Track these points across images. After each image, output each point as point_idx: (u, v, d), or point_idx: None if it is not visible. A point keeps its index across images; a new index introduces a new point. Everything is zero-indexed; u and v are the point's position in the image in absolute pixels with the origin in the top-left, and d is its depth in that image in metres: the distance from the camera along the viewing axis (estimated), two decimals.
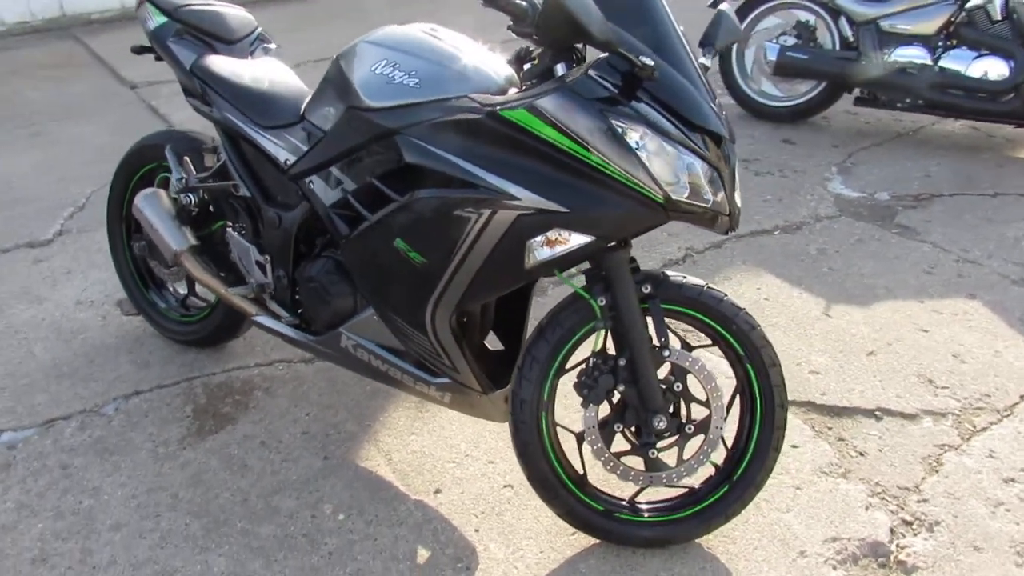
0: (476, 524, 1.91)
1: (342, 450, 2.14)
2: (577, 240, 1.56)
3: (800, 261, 3.04)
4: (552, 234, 1.56)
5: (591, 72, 1.50)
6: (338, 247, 1.88)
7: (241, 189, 2.09)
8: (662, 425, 1.71)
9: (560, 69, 1.59)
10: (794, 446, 2.13)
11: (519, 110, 1.52)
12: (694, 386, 1.77)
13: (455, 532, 1.89)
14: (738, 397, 1.82)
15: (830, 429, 2.20)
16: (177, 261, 2.18)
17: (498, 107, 1.54)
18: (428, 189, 1.64)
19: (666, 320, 1.76)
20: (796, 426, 2.20)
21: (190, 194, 2.19)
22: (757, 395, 1.78)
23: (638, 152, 1.49)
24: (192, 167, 2.21)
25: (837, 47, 4.06)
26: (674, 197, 1.51)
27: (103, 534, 1.89)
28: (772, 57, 4.08)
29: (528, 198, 1.54)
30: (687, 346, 1.81)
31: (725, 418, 1.80)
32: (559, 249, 1.57)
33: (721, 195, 1.57)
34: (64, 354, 2.55)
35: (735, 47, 4.31)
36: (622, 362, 1.70)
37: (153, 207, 2.19)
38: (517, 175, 1.55)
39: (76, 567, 1.80)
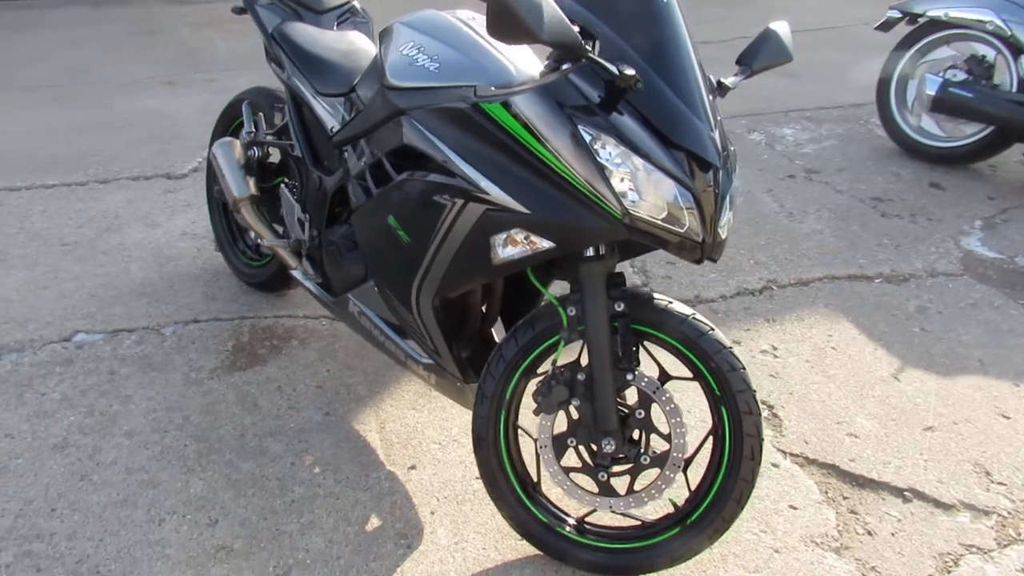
0: (434, 507, 1.93)
1: (344, 410, 2.23)
2: (539, 244, 1.53)
3: (891, 315, 2.76)
4: (516, 234, 1.54)
5: (571, 76, 1.46)
6: None
7: (296, 149, 2.22)
8: (610, 448, 1.64)
9: (566, 67, 1.55)
10: (792, 507, 1.96)
11: (495, 104, 1.50)
12: (661, 417, 1.68)
13: (412, 510, 1.92)
14: (711, 438, 1.71)
15: (845, 499, 2.00)
16: (236, 207, 2.36)
17: (480, 99, 1.53)
18: (419, 171, 1.67)
19: (652, 348, 1.69)
20: (805, 486, 2.02)
21: (256, 147, 2.36)
22: (727, 441, 1.66)
23: (603, 163, 1.43)
24: (264, 123, 2.38)
25: (1014, 88, 3.61)
26: (634, 214, 1.44)
27: (116, 437, 2.10)
28: (931, 91, 3.70)
29: (495, 194, 1.53)
30: (665, 376, 1.72)
31: (689, 458, 1.70)
32: (521, 250, 1.55)
33: (696, 223, 1.48)
34: (153, 275, 2.84)
35: (895, 76, 3.95)
36: (581, 377, 1.65)
37: (225, 155, 2.38)
38: (489, 169, 1.54)
39: (84, 460, 2.02)
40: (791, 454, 2.13)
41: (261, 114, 2.41)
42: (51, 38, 5.93)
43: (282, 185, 2.31)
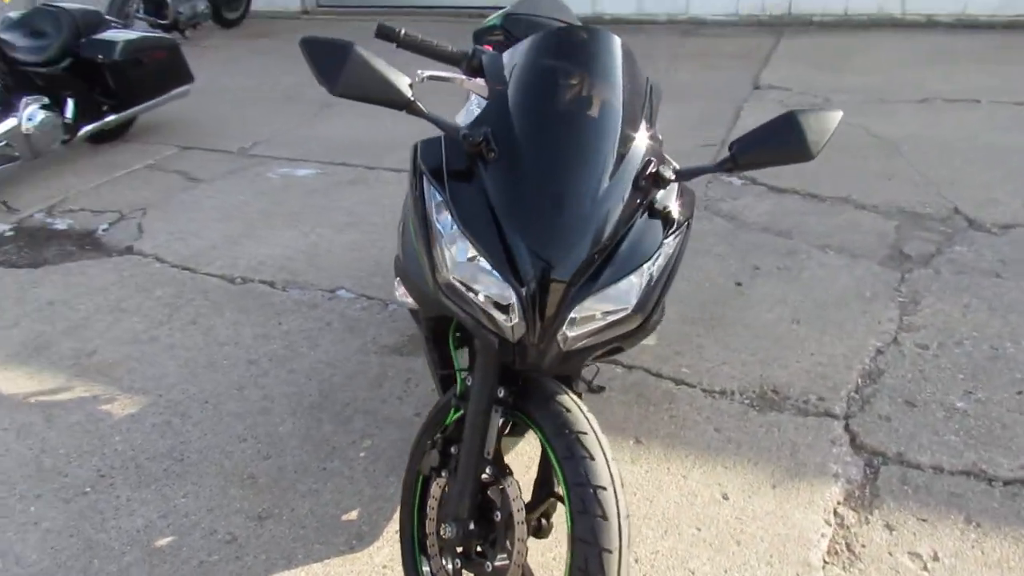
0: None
1: None
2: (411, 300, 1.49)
3: None
4: (401, 283, 1.52)
5: (444, 135, 1.38)
6: None
7: None
8: (448, 534, 1.51)
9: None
10: None
11: (418, 143, 1.49)
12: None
13: (385, 522, 2.02)
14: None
15: None
16: None
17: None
18: None
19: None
20: None
21: None
22: None
23: (437, 228, 1.33)
24: None
25: None
26: (446, 288, 1.31)
27: (283, 372, 2.64)
28: None
29: (403, 232, 1.54)
30: (548, 491, 1.50)
31: None
32: (406, 300, 1.52)
33: (514, 323, 1.27)
34: None
35: None
36: (454, 450, 1.55)
37: None
38: (405, 210, 1.55)
39: (253, 378, 2.61)
40: None
41: None
42: None
43: None
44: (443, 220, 1.34)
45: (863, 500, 2.00)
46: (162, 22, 7.65)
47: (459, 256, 1.31)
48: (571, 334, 1.31)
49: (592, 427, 1.43)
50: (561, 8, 2.68)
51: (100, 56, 4.54)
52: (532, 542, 1.61)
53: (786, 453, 2.17)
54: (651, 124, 1.49)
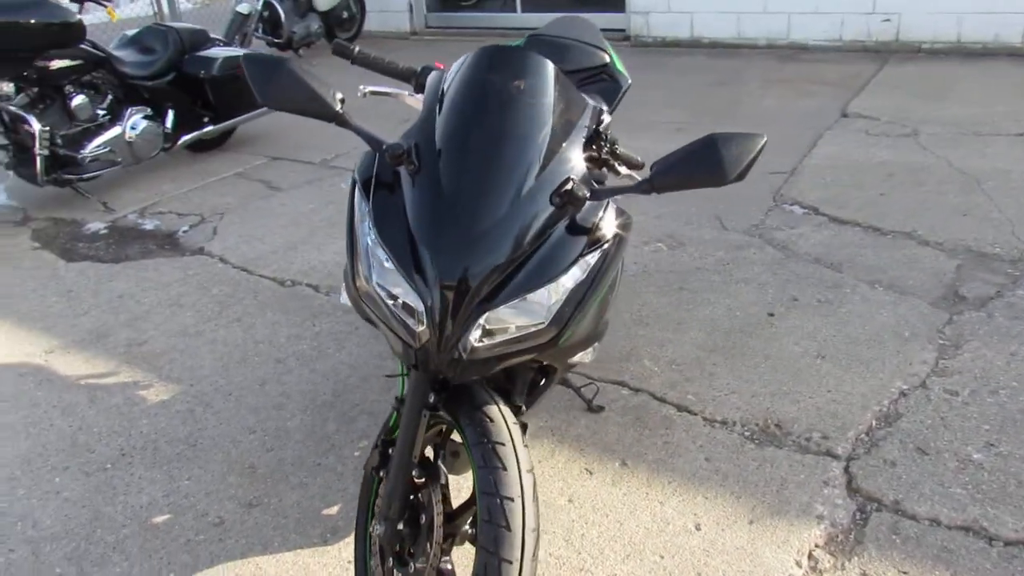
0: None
1: None
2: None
3: None
4: (344, 286, 1.59)
5: (383, 146, 1.44)
6: None
7: None
8: (377, 532, 1.56)
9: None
10: None
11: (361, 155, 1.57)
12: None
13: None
14: None
15: None
16: None
17: None
18: None
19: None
20: None
21: None
22: None
23: (360, 237, 1.39)
24: None
25: None
26: (363, 291, 1.37)
27: (305, 371, 2.78)
28: None
29: None
30: (472, 500, 1.52)
31: None
32: (346, 303, 1.59)
33: (419, 329, 1.31)
34: None
35: None
36: (391, 451, 1.60)
37: None
38: None
39: (276, 375, 2.76)
40: None
41: None
42: (652, 79, 6.88)
43: None
44: (365, 229, 1.41)
45: (844, 545, 1.91)
46: (277, 41, 8.17)
47: (376, 264, 1.38)
48: (478, 344, 1.34)
49: (512, 439, 1.45)
50: (592, 31, 2.70)
51: (201, 71, 4.91)
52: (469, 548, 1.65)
53: (772, 490, 2.09)
54: (591, 146, 1.50)
